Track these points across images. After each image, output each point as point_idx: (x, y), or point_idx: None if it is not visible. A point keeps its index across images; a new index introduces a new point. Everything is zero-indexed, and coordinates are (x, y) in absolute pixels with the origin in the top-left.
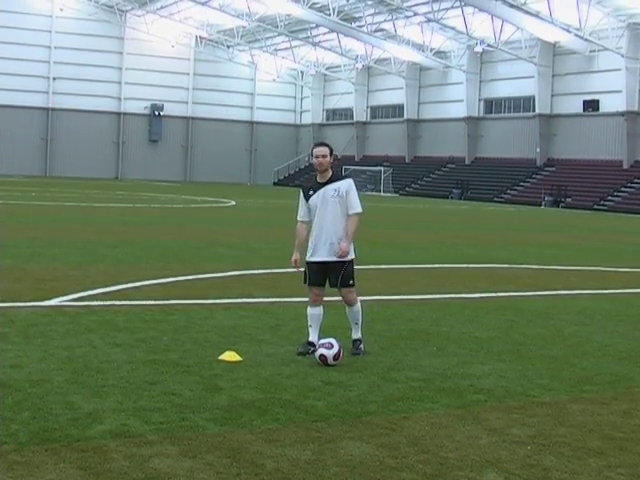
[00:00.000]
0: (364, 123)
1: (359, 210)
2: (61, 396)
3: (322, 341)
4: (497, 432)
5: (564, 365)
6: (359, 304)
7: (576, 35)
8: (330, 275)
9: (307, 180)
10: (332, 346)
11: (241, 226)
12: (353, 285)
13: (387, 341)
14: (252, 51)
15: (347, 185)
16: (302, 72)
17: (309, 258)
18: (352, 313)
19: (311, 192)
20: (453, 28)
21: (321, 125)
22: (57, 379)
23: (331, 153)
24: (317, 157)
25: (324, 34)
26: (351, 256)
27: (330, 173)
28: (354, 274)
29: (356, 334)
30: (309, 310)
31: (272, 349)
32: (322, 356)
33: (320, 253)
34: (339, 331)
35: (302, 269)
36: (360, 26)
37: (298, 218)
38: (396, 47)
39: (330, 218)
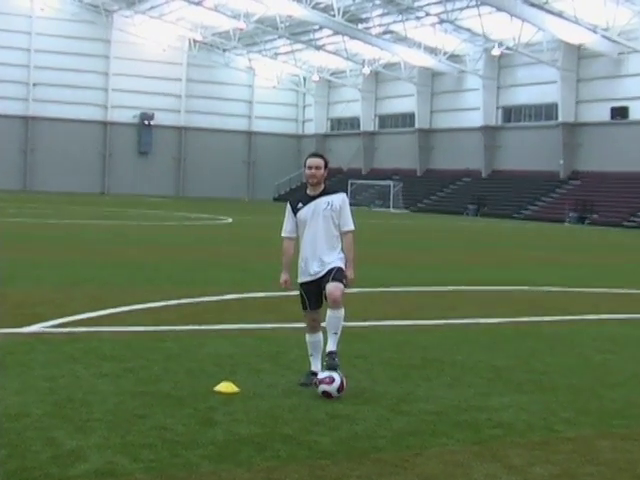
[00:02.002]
0: (372, 133)
1: (352, 227)
2: (41, 431)
3: (321, 376)
4: (518, 471)
5: (591, 397)
6: (344, 311)
7: (603, 36)
8: (323, 284)
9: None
10: (333, 380)
11: (238, 245)
12: (345, 284)
13: (397, 370)
14: (250, 55)
15: (341, 199)
16: (304, 78)
17: (302, 279)
18: (333, 319)
19: (300, 205)
20: (468, 30)
21: (325, 135)
22: (37, 413)
23: (326, 166)
24: (310, 168)
25: (328, 36)
26: (340, 265)
27: (322, 187)
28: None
29: (332, 346)
30: (308, 338)
31: (272, 379)
32: (324, 392)
33: (312, 271)
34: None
35: (294, 291)
36: (367, 28)
37: (284, 234)
38: (406, 50)
39: (321, 234)
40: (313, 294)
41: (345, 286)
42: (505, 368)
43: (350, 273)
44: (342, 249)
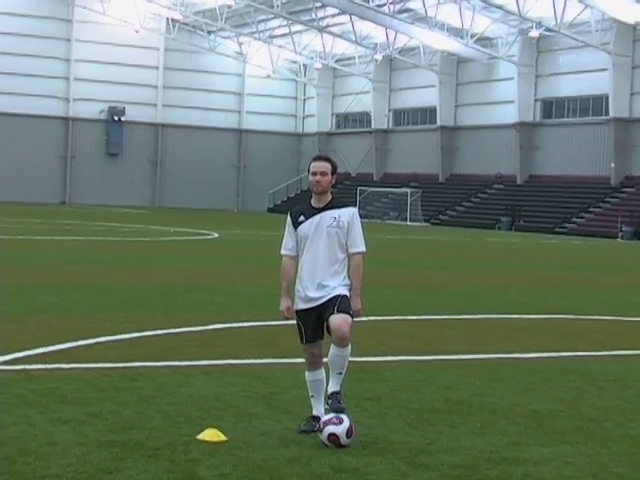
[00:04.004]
0: (385, 131)
1: (363, 249)
2: None
3: (327, 417)
4: None
5: None
6: (350, 347)
7: None
8: (325, 314)
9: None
10: (341, 421)
11: (226, 265)
12: (352, 316)
13: (416, 415)
14: (240, 38)
15: (350, 215)
16: (305, 66)
17: (299, 306)
18: (338, 357)
19: (302, 218)
20: (501, 7)
21: (329, 134)
22: None
23: (334, 172)
24: (315, 174)
25: (333, 16)
26: (345, 292)
27: (329, 197)
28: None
29: (336, 386)
30: (307, 376)
31: (266, 425)
32: (332, 435)
33: (310, 296)
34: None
35: (294, 321)
36: (380, 5)
37: (283, 252)
38: (427, 33)
39: (323, 256)
40: (311, 324)
41: (353, 318)
42: (545, 413)
43: (356, 303)
44: (348, 275)
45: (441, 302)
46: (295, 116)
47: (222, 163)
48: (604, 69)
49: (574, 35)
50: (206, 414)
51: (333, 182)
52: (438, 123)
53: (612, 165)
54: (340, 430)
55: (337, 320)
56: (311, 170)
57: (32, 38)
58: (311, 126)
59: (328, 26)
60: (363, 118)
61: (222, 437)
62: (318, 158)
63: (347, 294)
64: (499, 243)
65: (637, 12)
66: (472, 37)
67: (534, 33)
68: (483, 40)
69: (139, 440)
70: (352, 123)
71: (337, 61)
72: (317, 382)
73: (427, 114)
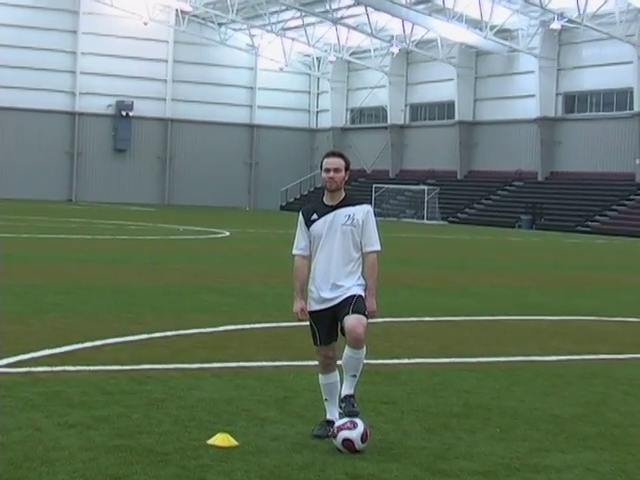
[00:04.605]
0: (401, 127)
1: (378, 248)
2: None
3: (340, 422)
4: None
5: None
6: (365, 349)
7: None
8: (339, 315)
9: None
10: (356, 425)
11: (237, 265)
12: (367, 316)
13: (433, 420)
14: (252, 30)
15: (364, 212)
16: (319, 59)
17: (312, 307)
18: (353, 360)
19: (315, 216)
20: None
21: (344, 129)
22: None
23: (347, 168)
24: (328, 171)
25: (348, 7)
26: (359, 292)
27: (343, 194)
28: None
29: (349, 389)
30: (321, 379)
31: (279, 430)
32: (346, 440)
33: (324, 297)
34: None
35: (307, 322)
36: None
37: (295, 252)
38: (444, 25)
39: (337, 255)
40: (325, 325)
41: (368, 319)
42: (568, 418)
43: (371, 304)
44: (362, 275)
45: (459, 303)
46: (308, 111)
47: (233, 159)
48: (629, 62)
49: (597, 27)
50: (217, 418)
51: (346, 179)
52: (456, 118)
53: (637, 161)
54: (355, 435)
55: (352, 321)
56: (324, 166)
57: (37, 30)
58: (325, 121)
59: (343, 18)
60: (379, 113)
61: (233, 442)
62: (331, 154)
63: (362, 294)
64: (519, 242)
65: None
66: (492, 29)
67: (556, 25)
68: (503, 32)
69: (148, 445)
70: (367, 118)
71: (352, 54)
72: (331, 385)
73: (445, 109)
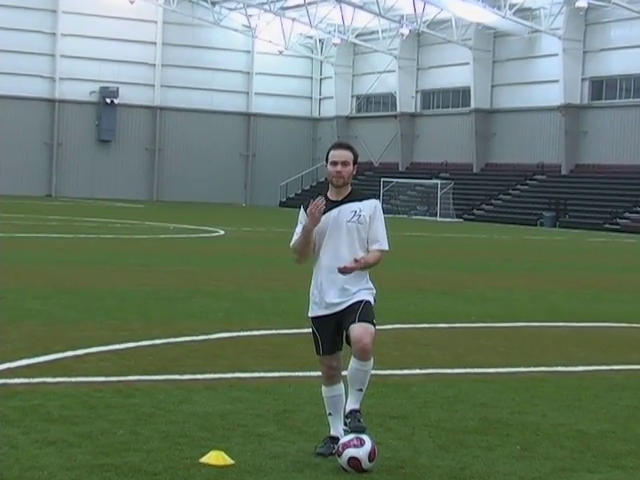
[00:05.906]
0: (412, 115)
1: (385, 247)
2: None
3: (346, 439)
4: None
5: None
6: (372, 361)
7: None
8: (345, 322)
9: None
10: (363, 442)
11: (232, 266)
12: (375, 325)
13: (448, 436)
14: (248, 10)
15: (372, 207)
16: (322, 41)
17: (314, 313)
18: (360, 372)
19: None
20: None
21: (349, 118)
22: None
23: (355, 161)
24: (335, 164)
25: None
26: (368, 298)
27: (349, 189)
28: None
29: (355, 403)
30: (325, 391)
31: (278, 447)
32: (352, 459)
33: (328, 301)
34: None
35: (308, 328)
36: None
37: (293, 244)
38: (459, 3)
39: (343, 254)
40: (329, 334)
41: (375, 326)
42: (596, 434)
43: (354, 264)
44: (370, 278)
45: (476, 308)
46: (310, 98)
47: (228, 151)
48: None
49: (627, 5)
50: (210, 434)
51: (354, 173)
52: (472, 106)
53: None
54: (362, 453)
55: (358, 330)
56: (330, 159)
57: (12, 9)
58: (328, 109)
59: None
60: (387, 100)
61: (228, 460)
62: (338, 146)
63: (370, 300)
64: (541, 241)
65: None
66: (511, 8)
67: (582, 3)
68: (523, 11)
69: (135, 464)
70: (375, 106)
71: (358, 36)
72: (335, 398)
73: (459, 96)
